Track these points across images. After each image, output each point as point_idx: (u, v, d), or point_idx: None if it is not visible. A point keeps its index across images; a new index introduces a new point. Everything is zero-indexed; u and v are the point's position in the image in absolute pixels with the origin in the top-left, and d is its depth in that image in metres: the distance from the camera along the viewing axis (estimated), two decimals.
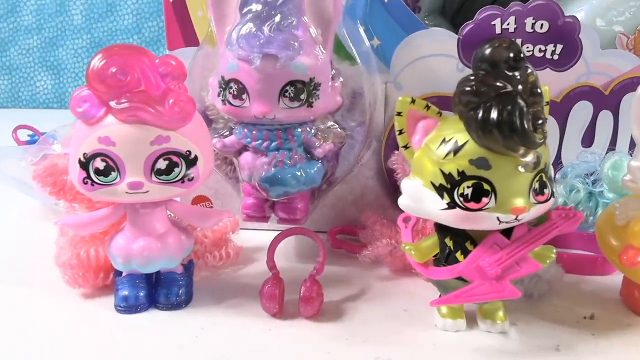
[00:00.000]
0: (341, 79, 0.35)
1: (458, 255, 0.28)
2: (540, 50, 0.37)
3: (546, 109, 0.30)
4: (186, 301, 0.33)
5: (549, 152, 0.28)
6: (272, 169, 0.34)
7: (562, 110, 0.39)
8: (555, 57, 0.38)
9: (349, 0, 0.37)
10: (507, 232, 0.28)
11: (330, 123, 0.36)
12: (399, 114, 0.28)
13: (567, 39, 0.37)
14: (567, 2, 0.41)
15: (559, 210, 0.29)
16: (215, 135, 0.36)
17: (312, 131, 0.35)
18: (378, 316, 0.32)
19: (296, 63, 0.32)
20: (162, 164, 0.29)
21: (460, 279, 0.28)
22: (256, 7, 0.32)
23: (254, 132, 0.34)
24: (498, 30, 0.37)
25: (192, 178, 0.30)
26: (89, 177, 0.29)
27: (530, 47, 0.37)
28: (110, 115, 0.28)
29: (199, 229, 0.35)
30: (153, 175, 0.29)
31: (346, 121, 0.37)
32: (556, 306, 0.33)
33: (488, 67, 0.26)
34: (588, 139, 0.39)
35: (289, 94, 0.33)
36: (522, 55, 0.26)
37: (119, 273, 0.33)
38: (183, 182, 0.30)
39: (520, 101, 0.25)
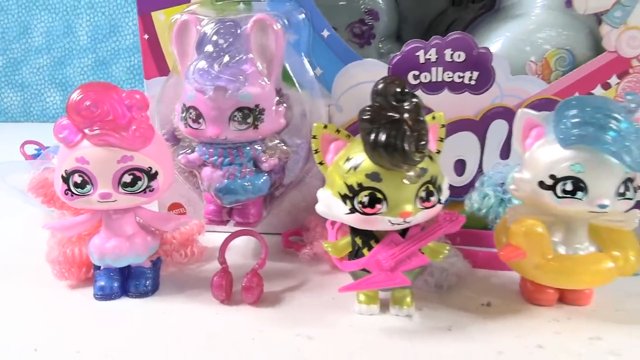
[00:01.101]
0: (285, 105, 0.42)
1: (365, 251, 0.34)
2: (459, 77, 0.43)
3: (442, 130, 0.36)
4: (152, 291, 0.39)
5: (437, 167, 0.34)
6: (225, 180, 0.41)
7: (481, 127, 0.45)
8: (473, 82, 0.43)
9: (295, 37, 0.44)
10: (404, 232, 0.34)
11: (276, 141, 0.42)
12: (314, 137, 0.34)
13: (481, 67, 0.43)
14: (486, 34, 0.47)
15: (446, 214, 0.35)
16: (181, 152, 0.43)
17: (260, 148, 0.41)
18: (310, 303, 0.38)
19: (242, 93, 0.39)
20: (127, 178, 0.36)
21: (365, 270, 0.34)
22: (208, 48, 0.39)
23: (210, 150, 0.41)
24: (422, 60, 0.43)
25: (153, 189, 0.37)
26: (69, 189, 0.36)
27: (451, 74, 0.43)
28: (85, 139, 0.35)
29: (169, 231, 0.41)
30: (120, 188, 0.36)
31: (292, 139, 0.44)
32: (462, 296, 0.39)
33: (381, 99, 0.32)
34: (505, 153, 0.45)
35: (237, 118, 0.39)
36: (407, 90, 0.32)
37: (97, 267, 0.39)
38: (145, 192, 0.36)
39: (405, 127, 0.31)
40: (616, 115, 0.33)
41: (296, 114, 0.44)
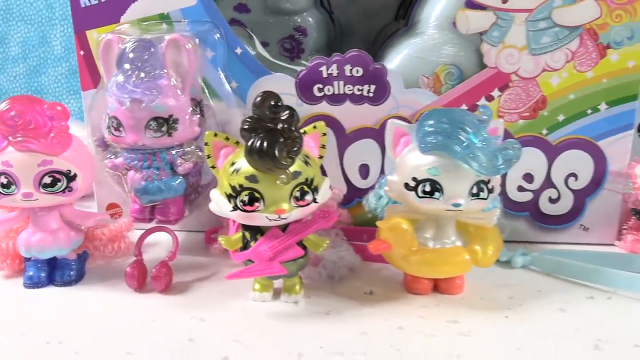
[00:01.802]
0: (199, 114, 0.47)
1: (252, 243, 0.39)
2: (358, 90, 0.48)
3: (324, 138, 0.41)
4: (76, 280, 0.44)
5: (314, 170, 0.39)
6: (143, 182, 0.46)
7: (381, 135, 0.49)
8: (371, 94, 0.48)
9: (212, 54, 0.49)
10: (285, 227, 0.39)
11: (193, 147, 0.47)
12: (206, 144, 0.39)
13: (378, 81, 0.48)
14: (394, 50, 0.52)
15: (321, 211, 0.40)
16: (108, 157, 0.48)
17: (176, 154, 0.46)
18: (213, 291, 0.43)
19: (156, 104, 0.44)
20: (47, 180, 0.40)
21: (250, 260, 0.39)
22: (126, 65, 0.44)
23: (132, 155, 0.46)
24: (325, 75, 0.48)
25: (72, 189, 0.41)
26: None
27: (351, 87, 0.48)
28: (10, 146, 0.40)
29: (91, 227, 0.46)
30: (40, 188, 0.40)
31: None
32: (350, 285, 0.44)
33: (259, 111, 0.37)
34: None
35: (153, 127, 0.44)
36: (281, 103, 0.37)
37: (28, 259, 0.44)
38: (65, 192, 0.41)
39: (278, 135, 0.36)
40: (465, 126, 0.37)
41: (215, 123, 0.49)
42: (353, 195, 0.51)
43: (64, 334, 0.37)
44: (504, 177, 0.49)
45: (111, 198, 0.54)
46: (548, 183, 0.49)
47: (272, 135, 0.36)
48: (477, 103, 0.48)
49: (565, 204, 0.50)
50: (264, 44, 0.61)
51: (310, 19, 0.63)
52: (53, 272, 0.44)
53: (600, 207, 0.50)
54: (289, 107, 0.37)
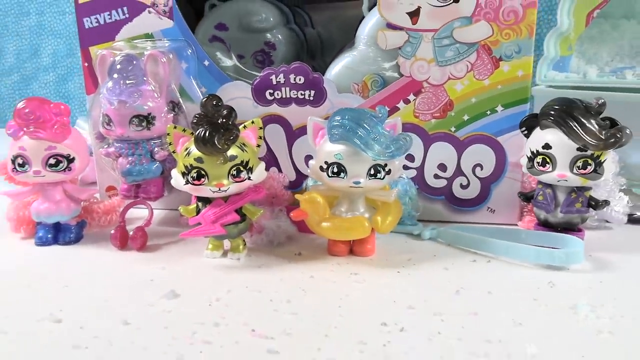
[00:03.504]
0: (174, 113, 0.59)
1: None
2: (301, 94, 0.60)
3: (260, 131, 0.52)
4: (75, 241, 0.57)
5: (250, 155, 0.50)
6: (127, 166, 0.58)
7: None
8: (311, 98, 0.60)
9: (186, 65, 0.61)
10: (226, 198, 0.51)
11: None
12: (168, 134, 0.51)
13: (316, 87, 0.59)
14: (333, 63, 0.63)
15: (253, 186, 0.51)
16: (103, 147, 0.61)
17: (154, 144, 0.59)
18: (178, 251, 0.55)
19: (138, 104, 0.56)
20: (52, 161, 0.53)
21: (199, 223, 0.51)
22: (115, 74, 0.57)
23: (120, 145, 0.59)
24: (274, 82, 0.60)
25: (71, 169, 0.54)
26: (15, 168, 0.54)
27: (295, 92, 0.60)
28: (25, 135, 0.53)
29: (85, 199, 0.59)
30: (47, 167, 0.53)
31: None
32: (285, 249, 0.55)
33: (204, 109, 0.49)
34: None
35: (135, 122, 0.57)
36: (220, 103, 0.49)
37: (38, 223, 0.57)
38: (65, 171, 0.54)
39: (217, 127, 0.48)
40: (364, 122, 0.48)
41: (185, 119, 0.61)
42: (300, 180, 0.62)
43: (62, 276, 0.50)
44: (422, 166, 0.60)
45: (109, 182, 0.67)
46: (459, 172, 0.60)
47: (213, 127, 0.48)
48: (397, 105, 0.58)
49: (474, 189, 0.60)
50: (240, 57, 0.74)
51: (279, 35, 0.75)
52: (57, 234, 0.57)
53: (504, 193, 0.59)
54: (227, 106, 0.49)
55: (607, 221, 0.60)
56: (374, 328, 0.40)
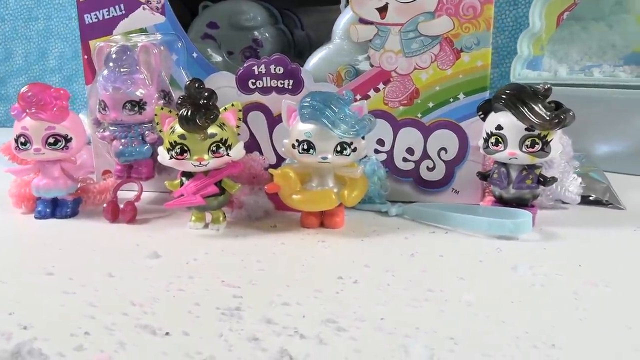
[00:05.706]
0: (164, 100, 0.65)
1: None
2: (281, 83, 0.65)
3: (239, 113, 0.58)
4: (71, 215, 0.62)
5: (229, 133, 0.55)
6: (120, 147, 0.64)
7: None
8: (290, 87, 0.65)
9: (176, 57, 0.67)
10: (207, 173, 0.56)
11: None
12: (156, 115, 0.56)
13: (295, 77, 0.64)
14: (312, 55, 0.68)
15: (231, 162, 0.56)
16: (99, 130, 0.66)
17: (146, 127, 0.64)
18: (164, 223, 0.60)
19: (130, 91, 0.62)
20: (51, 140, 0.59)
21: (182, 195, 0.56)
22: (111, 63, 0.62)
23: (114, 128, 0.64)
24: (257, 72, 0.65)
25: (68, 148, 0.60)
26: (17, 146, 0.59)
27: (275, 81, 0.65)
28: (27, 116, 0.59)
29: (80, 176, 0.64)
30: (47, 146, 0.59)
31: None
32: (262, 223, 0.60)
33: (187, 91, 0.54)
34: None
35: (128, 107, 0.62)
36: (202, 86, 0.54)
37: (38, 198, 0.63)
38: (63, 150, 0.59)
39: (198, 107, 0.53)
40: (331, 104, 0.53)
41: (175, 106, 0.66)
42: (279, 163, 0.67)
43: (57, 242, 0.55)
44: (392, 150, 0.65)
45: (105, 166, 0.72)
46: (425, 155, 0.64)
47: (195, 107, 0.53)
48: (368, 93, 0.64)
49: (439, 171, 0.65)
50: (230, 53, 0.80)
51: (266, 34, 0.81)
52: (55, 209, 0.62)
53: (467, 175, 0.64)
54: (209, 89, 0.55)
55: (563, 202, 0.64)
56: (330, 280, 0.45)
